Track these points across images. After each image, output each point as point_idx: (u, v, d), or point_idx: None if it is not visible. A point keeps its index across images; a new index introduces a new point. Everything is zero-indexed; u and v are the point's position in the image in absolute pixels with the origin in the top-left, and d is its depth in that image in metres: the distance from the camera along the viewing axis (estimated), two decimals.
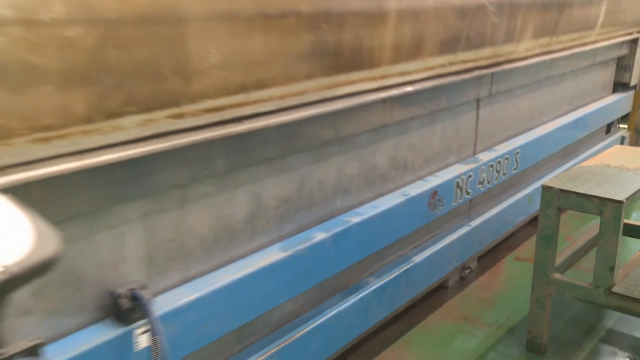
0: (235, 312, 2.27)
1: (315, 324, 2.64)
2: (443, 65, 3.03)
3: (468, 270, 3.90)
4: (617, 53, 5.48)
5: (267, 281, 2.37)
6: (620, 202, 2.75)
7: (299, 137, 2.46)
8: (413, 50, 2.76)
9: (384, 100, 2.79)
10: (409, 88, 2.84)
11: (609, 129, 5.87)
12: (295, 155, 2.52)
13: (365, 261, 2.96)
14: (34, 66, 1.47)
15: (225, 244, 2.32)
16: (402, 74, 2.76)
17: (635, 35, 5.38)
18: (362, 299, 2.90)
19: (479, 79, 3.53)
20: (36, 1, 1.45)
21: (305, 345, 2.61)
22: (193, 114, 1.89)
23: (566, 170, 3.35)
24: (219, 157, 2.15)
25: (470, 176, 3.59)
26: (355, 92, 2.54)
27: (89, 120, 1.61)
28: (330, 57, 2.33)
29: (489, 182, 3.82)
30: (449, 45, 3.00)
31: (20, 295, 1.64)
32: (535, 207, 4.30)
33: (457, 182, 3.48)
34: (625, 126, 6.00)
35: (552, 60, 4.20)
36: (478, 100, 3.74)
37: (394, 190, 3.15)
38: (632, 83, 5.69)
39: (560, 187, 2.91)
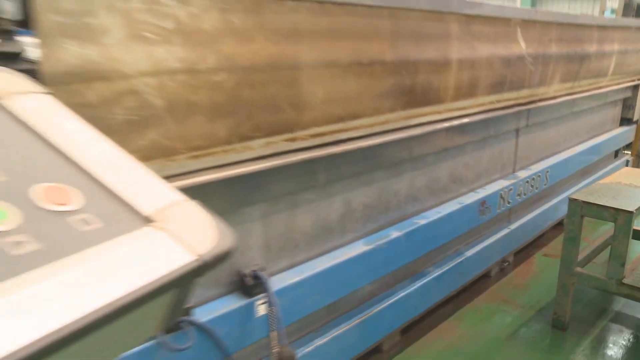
0: (329, 291, 2.22)
1: (389, 302, 2.56)
2: (492, 103, 2.93)
3: (506, 263, 3.75)
4: (623, 95, 5.25)
5: (353, 268, 2.30)
6: (631, 212, 2.67)
7: (381, 156, 2.39)
8: (469, 90, 2.68)
9: (446, 129, 2.69)
10: (466, 120, 2.75)
11: (616, 154, 5.64)
12: (377, 171, 2.45)
13: (429, 254, 2.86)
14: (192, 103, 1.48)
15: (322, 238, 2.27)
16: (460, 108, 2.68)
17: (636, 82, 5.22)
18: (425, 284, 2.79)
19: (519, 113, 3.39)
20: (197, 56, 1.47)
21: (381, 318, 2.53)
22: (303, 138, 1.86)
23: (587, 186, 3.21)
24: (320, 171, 2.11)
25: (510, 189, 3.44)
26: (425, 122, 2.46)
27: (227, 142, 1.61)
28: (407, 95, 2.27)
29: (525, 194, 3.65)
30: (497, 87, 2.91)
31: None
32: (560, 214, 4.19)
33: (501, 194, 3.33)
34: (629, 152, 5.86)
35: (574, 99, 4.01)
36: (517, 130, 3.59)
37: (452, 199, 3.04)
38: (635, 118, 5.52)
39: (583, 199, 2.81)
